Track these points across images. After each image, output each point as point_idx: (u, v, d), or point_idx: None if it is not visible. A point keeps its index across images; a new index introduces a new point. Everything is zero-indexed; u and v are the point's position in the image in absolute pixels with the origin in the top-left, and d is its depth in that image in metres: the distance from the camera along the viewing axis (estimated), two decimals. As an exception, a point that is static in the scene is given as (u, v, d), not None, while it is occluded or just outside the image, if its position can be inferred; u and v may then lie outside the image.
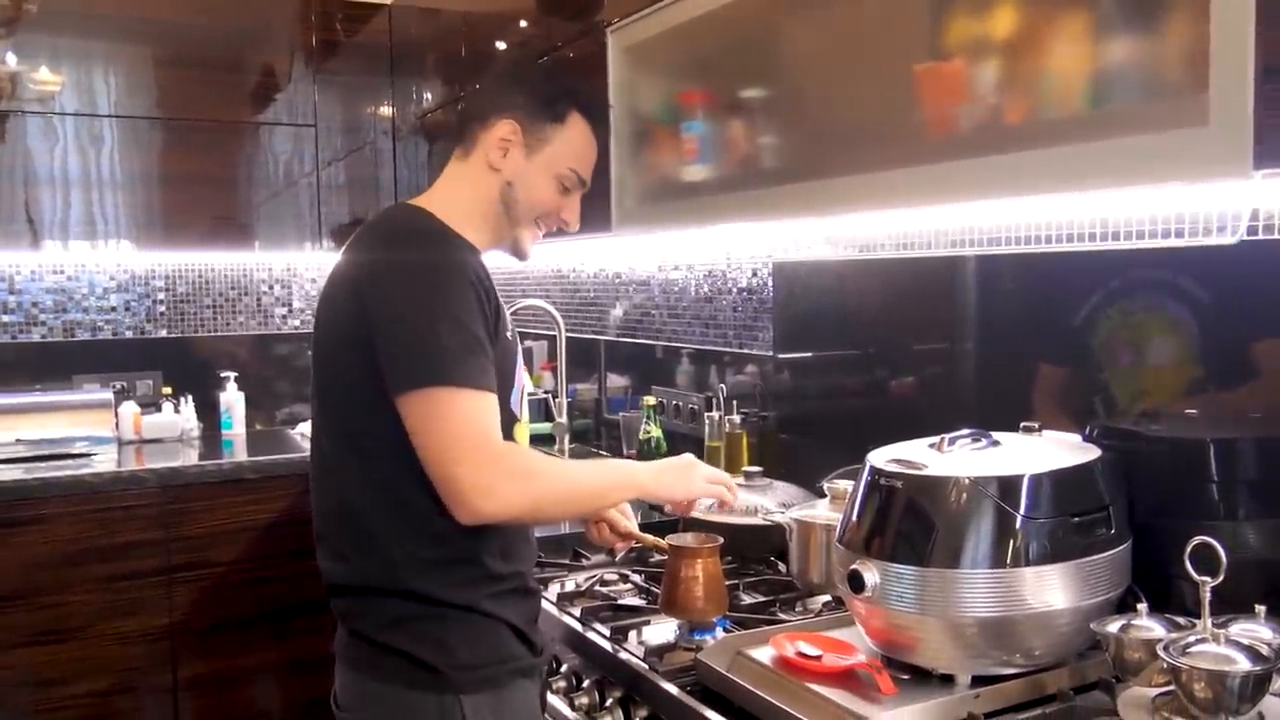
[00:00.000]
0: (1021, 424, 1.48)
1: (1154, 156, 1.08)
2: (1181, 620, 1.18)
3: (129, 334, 3.54)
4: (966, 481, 1.26)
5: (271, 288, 3.75)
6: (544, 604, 1.67)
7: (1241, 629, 1.12)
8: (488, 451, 1.32)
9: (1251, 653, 1.06)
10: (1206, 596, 1.11)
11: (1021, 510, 1.24)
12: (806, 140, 1.64)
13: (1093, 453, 1.35)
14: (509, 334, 1.48)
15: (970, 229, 1.74)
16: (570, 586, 1.87)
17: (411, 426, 1.33)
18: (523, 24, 2.60)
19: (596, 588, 1.85)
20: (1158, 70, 1.11)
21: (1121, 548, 1.30)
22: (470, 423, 1.32)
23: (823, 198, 1.57)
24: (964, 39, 1.33)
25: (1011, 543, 1.23)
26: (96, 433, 3.21)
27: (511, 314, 1.50)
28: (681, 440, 2.58)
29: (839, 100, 1.55)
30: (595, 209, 1.87)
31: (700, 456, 2.40)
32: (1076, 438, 1.46)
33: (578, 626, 1.68)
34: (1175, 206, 1.40)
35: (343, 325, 1.41)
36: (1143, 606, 1.20)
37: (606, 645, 1.59)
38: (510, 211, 1.54)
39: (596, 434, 3.12)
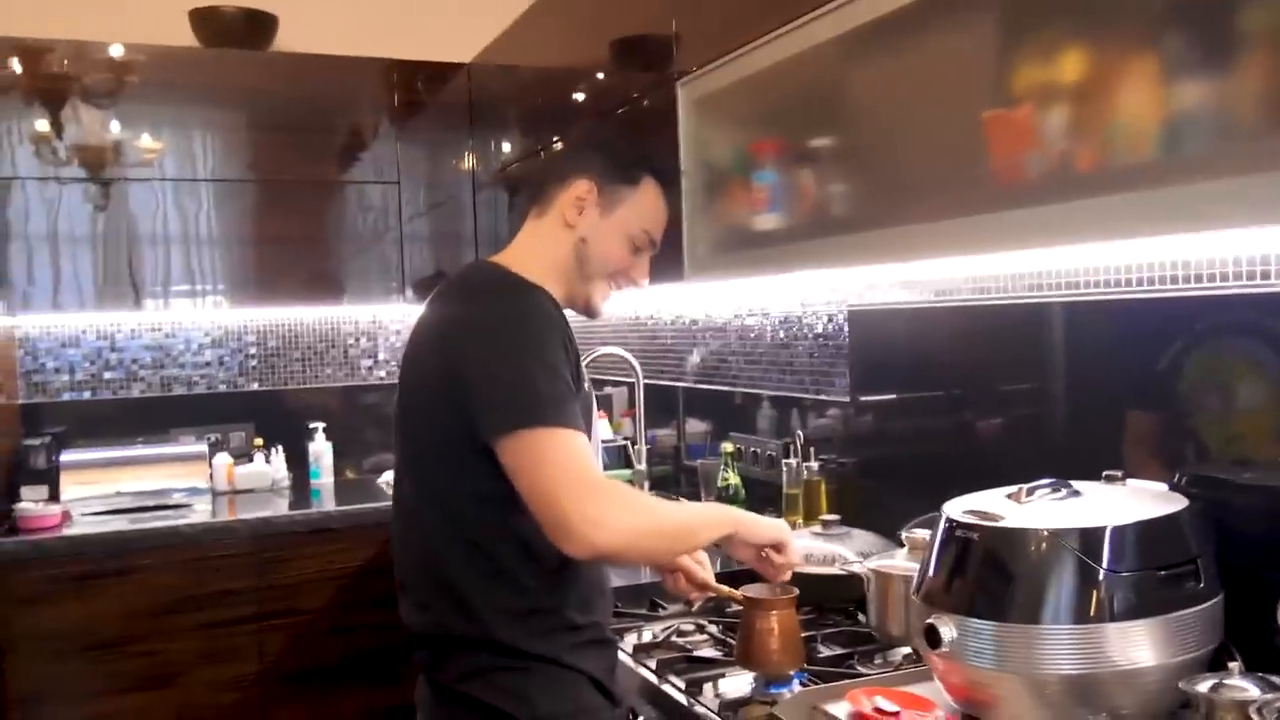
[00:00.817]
0: (1104, 473, 1.44)
1: (1229, 201, 1.05)
2: (1277, 680, 1.13)
3: (223, 387, 3.66)
4: (1046, 533, 1.23)
5: (358, 340, 3.85)
6: (621, 655, 1.67)
7: (1342, 689, 1.08)
8: (593, 484, 1.34)
9: (1353, 715, 1.02)
10: (1302, 655, 1.07)
11: (1104, 564, 1.20)
12: (875, 188, 1.64)
13: (1179, 502, 1.31)
14: (586, 384, 1.51)
15: (1048, 272, 1.71)
16: (647, 637, 1.86)
17: (515, 467, 1.35)
18: (599, 76, 2.65)
19: (673, 639, 1.84)
20: (1231, 113, 1.09)
21: (1212, 602, 1.25)
22: (574, 458, 1.34)
23: (892, 246, 1.57)
24: (1032, 85, 1.32)
25: (1095, 596, 1.20)
26: (192, 484, 3.32)
27: (590, 362, 1.52)
28: (760, 487, 2.57)
29: (907, 148, 1.54)
30: (668, 257, 1.88)
31: (778, 503, 2.40)
32: (1162, 486, 1.42)
33: (653, 679, 1.67)
34: (1260, 248, 1.36)
35: (430, 378, 1.45)
36: (1236, 665, 1.16)
37: (682, 699, 1.58)
38: (584, 268, 1.57)
39: (676, 480, 3.11)
